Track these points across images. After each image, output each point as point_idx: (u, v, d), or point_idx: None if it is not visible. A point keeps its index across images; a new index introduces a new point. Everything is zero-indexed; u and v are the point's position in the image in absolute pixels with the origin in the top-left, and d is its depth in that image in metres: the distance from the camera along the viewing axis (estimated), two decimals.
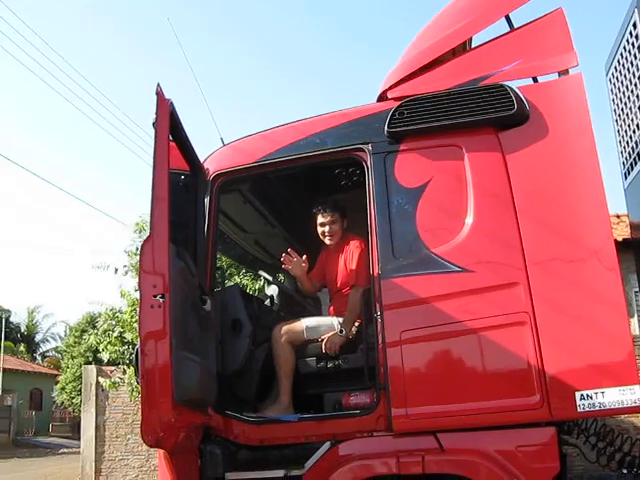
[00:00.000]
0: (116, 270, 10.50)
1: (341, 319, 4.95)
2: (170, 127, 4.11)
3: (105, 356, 10.48)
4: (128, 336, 9.81)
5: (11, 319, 52.20)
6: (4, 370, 38.50)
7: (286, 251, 5.16)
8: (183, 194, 4.71)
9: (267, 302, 5.71)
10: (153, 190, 3.86)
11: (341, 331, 4.79)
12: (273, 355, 4.85)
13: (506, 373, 4.02)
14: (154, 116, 3.98)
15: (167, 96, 4.10)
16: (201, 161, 4.89)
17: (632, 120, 6.08)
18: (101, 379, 11.52)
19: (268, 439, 4.49)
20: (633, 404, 3.79)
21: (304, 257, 5.14)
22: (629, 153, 6.28)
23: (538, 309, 3.96)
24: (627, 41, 5.92)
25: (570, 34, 4.37)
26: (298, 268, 5.18)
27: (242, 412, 4.58)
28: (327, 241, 5.29)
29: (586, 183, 4.14)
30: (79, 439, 12.68)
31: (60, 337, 53.91)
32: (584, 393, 3.82)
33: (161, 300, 3.66)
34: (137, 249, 10.29)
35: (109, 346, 10.13)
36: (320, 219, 5.26)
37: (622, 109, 6.34)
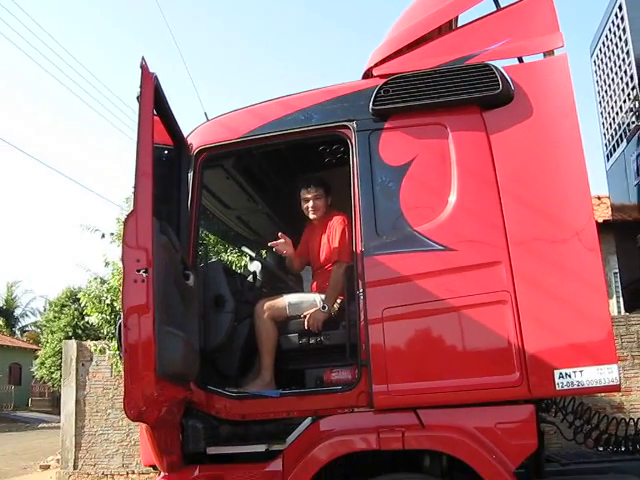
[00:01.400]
0: (103, 235, 10.49)
1: (324, 296, 4.96)
2: (154, 101, 4.08)
3: (93, 320, 10.46)
4: (117, 305, 9.79)
5: None
6: None
7: (269, 245, 5.23)
8: (167, 169, 4.69)
9: (250, 278, 5.70)
10: (137, 164, 3.83)
11: (323, 307, 4.81)
12: (255, 331, 4.86)
13: (486, 351, 4.06)
14: (138, 90, 3.95)
15: (151, 70, 4.07)
16: (185, 136, 4.86)
17: (615, 102, 6.11)
18: (90, 342, 11.52)
19: (250, 414, 4.51)
20: (610, 383, 3.85)
21: (280, 234, 5.19)
22: (612, 135, 6.32)
23: (519, 288, 4.00)
24: (612, 23, 5.94)
25: (556, 14, 4.37)
26: (288, 247, 5.22)
27: (224, 387, 4.59)
28: (310, 215, 5.30)
29: (569, 164, 4.17)
30: (58, 414, 12.66)
31: (39, 312, 53.68)
32: (563, 372, 3.87)
33: (144, 275, 3.65)
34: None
35: (96, 312, 10.12)
36: (304, 194, 5.27)
37: (606, 91, 6.36)
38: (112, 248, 10.43)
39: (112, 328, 10.16)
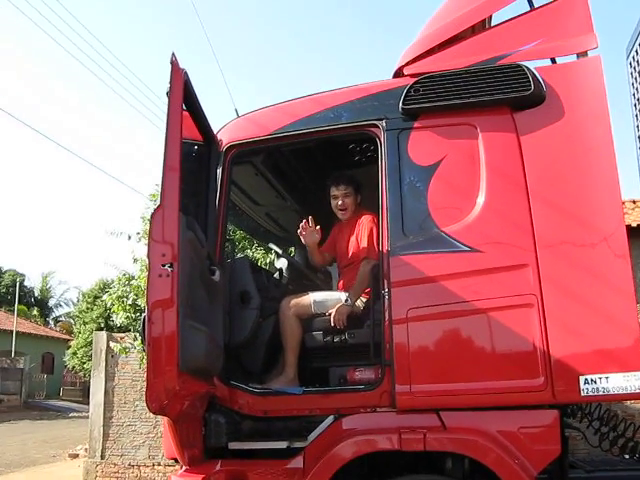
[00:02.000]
0: (129, 237, 10.56)
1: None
2: (184, 97, 4.10)
3: (118, 320, 10.54)
4: (141, 303, 9.83)
5: (25, 283, 52.75)
6: (17, 333, 38.92)
7: (303, 220, 5.15)
8: (196, 164, 4.72)
9: (276, 275, 5.71)
10: (165, 159, 3.85)
11: (347, 300, 4.81)
12: (280, 328, 4.87)
13: (511, 354, 4.01)
14: (168, 85, 3.97)
15: (182, 66, 4.09)
16: (215, 132, 4.88)
17: None
18: (112, 344, 11.57)
19: (272, 410, 4.53)
20: (637, 390, 3.79)
21: (318, 228, 5.14)
22: None
23: (546, 292, 3.95)
24: None
25: (591, 15, 4.31)
26: (311, 237, 5.17)
27: (247, 383, 4.61)
28: (340, 214, 5.30)
29: (600, 168, 4.11)
30: (89, 403, 12.78)
31: (73, 303, 54.55)
32: (588, 377, 3.82)
33: (169, 269, 3.67)
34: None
35: (122, 312, 10.17)
36: (334, 192, 5.27)
37: None
38: (139, 246, 10.49)
39: (137, 325, 10.19)
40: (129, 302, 10.19)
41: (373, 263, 4.73)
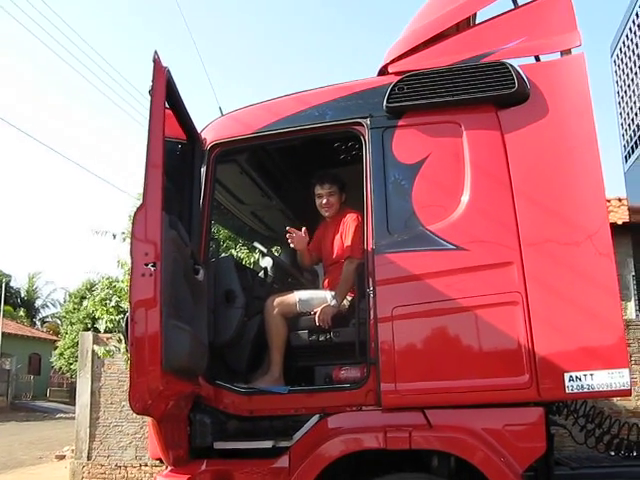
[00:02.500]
0: (114, 236, 10.50)
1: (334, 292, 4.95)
2: (166, 95, 4.07)
3: (102, 326, 10.47)
4: (125, 305, 9.77)
5: (11, 284, 52.38)
6: (3, 334, 38.61)
7: (286, 229, 5.16)
8: (179, 163, 4.70)
9: (261, 274, 5.70)
10: (147, 158, 3.82)
11: (332, 301, 4.80)
12: (265, 327, 4.86)
13: (496, 352, 4.02)
14: (150, 84, 3.95)
15: (164, 64, 4.07)
16: (198, 130, 4.85)
17: (635, 103, 6.03)
18: (96, 347, 11.50)
19: (257, 410, 4.51)
20: (621, 387, 3.80)
21: (303, 229, 5.14)
22: (630, 136, 6.24)
23: (530, 290, 3.95)
24: (633, 22, 5.86)
25: (574, 13, 4.33)
26: (301, 242, 5.19)
27: (233, 382, 4.59)
28: (324, 213, 5.30)
29: (584, 166, 4.11)
30: (75, 405, 12.72)
31: (60, 303, 54.16)
32: (573, 375, 3.83)
33: (152, 268, 3.64)
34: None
35: (105, 314, 10.10)
36: (318, 190, 5.27)
37: (625, 91, 6.29)
38: (124, 247, 10.43)
39: (120, 326, 10.11)
40: (112, 304, 10.12)
41: (357, 262, 4.74)
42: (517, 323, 3.94)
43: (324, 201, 5.26)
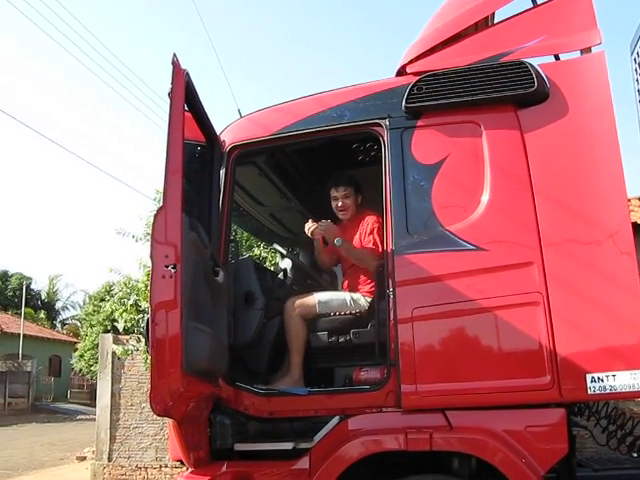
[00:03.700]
0: (134, 237, 10.54)
1: (355, 295, 4.95)
2: (186, 97, 4.09)
3: (121, 325, 10.51)
4: (143, 304, 9.80)
5: (32, 286, 52.87)
6: (24, 336, 38.96)
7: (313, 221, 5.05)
8: (198, 165, 4.72)
9: (280, 275, 5.70)
10: (167, 161, 3.85)
11: (338, 241, 4.85)
12: (285, 328, 4.86)
13: (517, 353, 3.99)
14: (169, 86, 3.97)
15: (183, 66, 4.09)
16: (217, 132, 4.87)
17: None
18: (114, 346, 11.58)
19: (277, 411, 4.52)
20: None
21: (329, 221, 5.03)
22: None
23: (552, 290, 3.92)
24: None
25: (594, 11, 4.29)
26: (332, 230, 5.00)
27: (252, 384, 4.59)
28: (340, 216, 5.29)
29: (605, 164, 4.08)
30: (96, 406, 12.81)
31: (80, 305, 54.60)
32: (595, 376, 3.79)
33: (173, 270, 3.66)
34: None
35: (124, 314, 10.13)
36: (334, 193, 5.27)
37: None
38: (144, 249, 10.46)
39: (140, 326, 10.15)
40: (130, 302, 10.16)
41: (378, 260, 4.71)
42: (538, 324, 3.91)
43: (339, 203, 5.25)
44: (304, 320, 4.84)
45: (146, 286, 9.74)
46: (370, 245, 4.98)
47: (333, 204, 5.29)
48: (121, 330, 11.09)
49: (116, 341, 12.16)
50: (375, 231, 4.96)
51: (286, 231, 7.10)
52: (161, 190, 3.91)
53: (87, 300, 44.69)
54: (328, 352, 4.88)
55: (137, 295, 10.01)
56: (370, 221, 5.08)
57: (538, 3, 4.58)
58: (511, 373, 3.95)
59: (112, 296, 10.97)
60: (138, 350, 10.91)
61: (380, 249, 4.78)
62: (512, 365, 3.97)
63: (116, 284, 11.13)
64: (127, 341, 11.72)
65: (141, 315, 9.87)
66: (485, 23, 4.82)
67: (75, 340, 44.32)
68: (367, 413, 4.28)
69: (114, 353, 11.96)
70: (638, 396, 4.08)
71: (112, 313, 10.71)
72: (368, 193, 5.26)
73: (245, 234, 9.66)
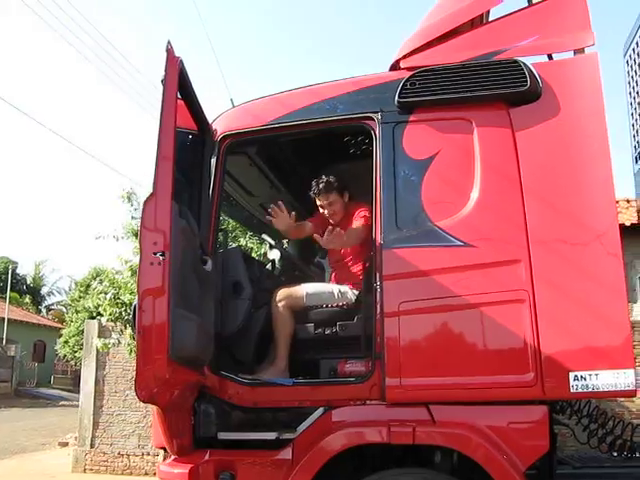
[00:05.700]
0: (116, 238, 10.42)
1: (342, 287, 4.96)
2: (179, 85, 4.09)
3: (104, 319, 10.46)
4: (125, 298, 9.75)
5: (18, 271, 52.67)
6: (9, 320, 38.81)
7: (276, 203, 4.99)
8: (190, 153, 4.70)
9: (269, 266, 5.70)
10: (158, 148, 3.84)
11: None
12: (272, 319, 4.87)
13: (501, 349, 4.02)
14: (163, 73, 3.96)
15: (177, 54, 4.07)
16: (209, 121, 4.86)
17: None
18: (96, 340, 11.53)
19: (262, 401, 4.52)
20: (626, 388, 3.79)
21: (292, 214, 4.98)
22: None
23: (538, 288, 3.95)
24: None
25: (588, 12, 4.31)
26: (282, 223, 5.01)
27: (238, 373, 4.60)
28: (331, 220, 5.23)
29: (595, 165, 4.10)
30: (79, 392, 12.79)
31: (65, 291, 54.50)
32: (578, 374, 3.82)
33: (161, 258, 3.66)
34: (132, 218, 10.14)
35: (107, 307, 10.06)
36: (318, 202, 5.27)
37: (637, 91, 6.26)
38: (125, 246, 10.38)
39: (122, 319, 10.09)
40: (108, 297, 10.06)
41: (366, 256, 4.72)
42: (523, 321, 3.94)
43: (326, 212, 5.25)
44: (291, 311, 4.85)
45: (129, 279, 9.72)
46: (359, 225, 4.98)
47: (320, 210, 5.29)
48: (104, 323, 11.06)
49: (101, 328, 12.12)
50: (364, 219, 4.96)
51: None
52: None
53: (73, 286, 44.57)
54: (314, 343, 4.89)
55: (117, 289, 9.94)
56: (358, 214, 5.07)
57: (533, 2, 4.59)
58: (495, 369, 3.98)
59: (89, 293, 10.92)
60: (120, 343, 10.88)
61: (365, 233, 4.83)
62: (496, 361, 4.00)
63: (101, 274, 11.05)
64: (112, 328, 11.68)
65: (123, 308, 9.81)
66: (480, 21, 4.83)
67: (60, 326, 44.19)
68: (351, 405, 4.30)
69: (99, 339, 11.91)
70: (620, 395, 4.11)
71: (96, 308, 10.66)
72: (358, 185, 5.24)
73: (232, 224, 9.64)
